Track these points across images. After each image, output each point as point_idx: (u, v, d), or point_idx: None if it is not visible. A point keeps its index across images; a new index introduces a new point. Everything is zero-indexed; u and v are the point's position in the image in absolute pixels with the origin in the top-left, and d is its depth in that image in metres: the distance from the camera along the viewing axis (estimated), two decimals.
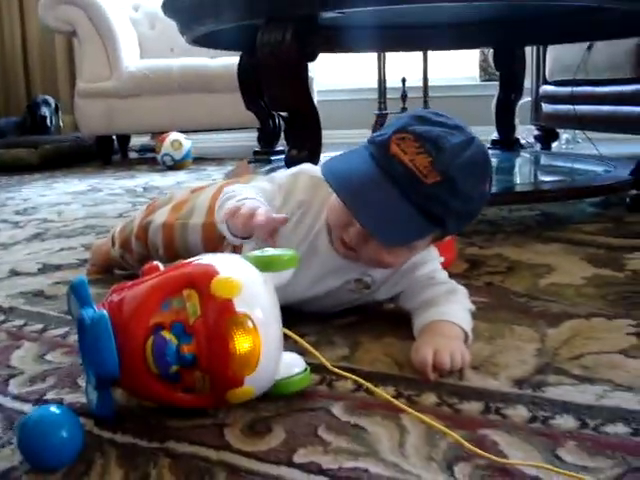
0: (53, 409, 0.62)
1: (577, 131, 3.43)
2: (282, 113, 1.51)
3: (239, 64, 2.20)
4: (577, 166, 2.01)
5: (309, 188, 0.92)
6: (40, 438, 0.59)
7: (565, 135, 3.54)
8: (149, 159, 3.48)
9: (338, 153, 0.86)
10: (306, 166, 0.98)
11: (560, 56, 2.97)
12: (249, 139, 3.90)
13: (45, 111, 3.73)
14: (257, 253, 0.73)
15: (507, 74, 2.42)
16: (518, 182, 1.88)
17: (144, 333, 0.64)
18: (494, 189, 1.68)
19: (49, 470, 0.59)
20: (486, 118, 4.03)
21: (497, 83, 4.01)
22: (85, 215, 1.88)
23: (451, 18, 2.06)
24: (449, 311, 0.86)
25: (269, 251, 0.74)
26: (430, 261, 0.94)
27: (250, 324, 0.64)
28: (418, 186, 0.78)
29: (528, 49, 3.03)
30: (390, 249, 0.83)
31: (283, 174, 0.98)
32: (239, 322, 0.64)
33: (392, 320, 0.94)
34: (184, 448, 0.63)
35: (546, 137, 3.34)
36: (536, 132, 3.40)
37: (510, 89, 2.42)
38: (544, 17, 2.03)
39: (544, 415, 0.67)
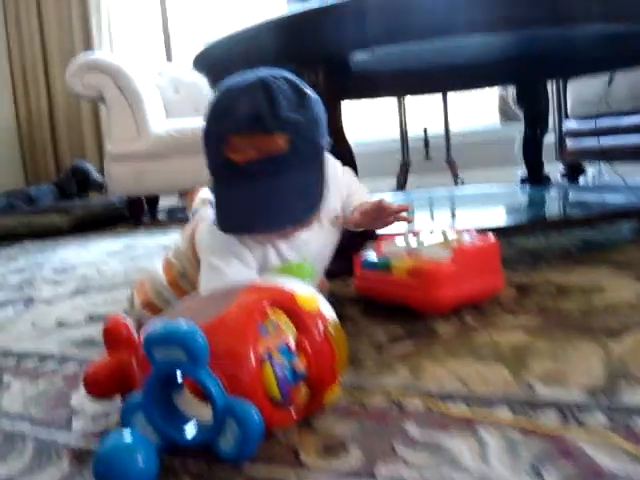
0: (127, 436, 0.61)
1: (603, 165, 3.42)
2: None
3: None
4: (608, 196, 1.99)
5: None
6: (116, 469, 0.58)
7: (591, 170, 3.53)
8: (178, 219, 3.52)
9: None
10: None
11: (581, 91, 2.99)
12: None
13: (93, 172, 3.92)
14: (291, 265, 0.88)
15: (531, 110, 2.43)
16: (550, 211, 1.86)
17: (258, 362, 0.64)
18: (525, 219, 1.68)
19: None
20: (509, 160, 4.07)
21: (518, 124, 4.10)
22: (124, 270, 1.89)
23: (471, 57, 2.09)
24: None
25: (291, 263, 0.90)
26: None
27: (338, 327, 0.71)
28: (287, 157, 0.85)
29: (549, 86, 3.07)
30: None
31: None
32: (334, 328, 0.70)
33: (450, 344, 0.93)
34: (259, 470, 0.62)
35: (572, 173, 3.33)
36: (562, 169, 3.41)
37: (535, 125, 2.43)
38: (566, 49, 2.05)
39: (625, 422, 0.65)
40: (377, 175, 4.11)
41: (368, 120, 4.29)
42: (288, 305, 0.67)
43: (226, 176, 0.85)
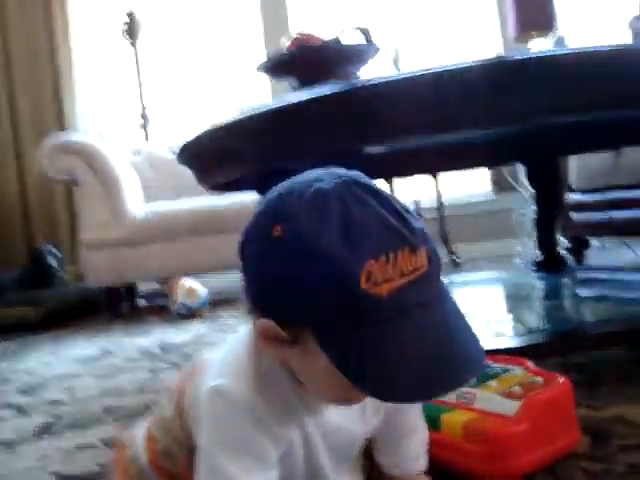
0: None
1: (607, 238, 3.26)
2: None
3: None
4: None
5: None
6: None
7: (594, 242, 3.35)
8: (158, 307, 3.27)
9: None
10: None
11: (587, 163, 2.83)
12: None
13: (51, 261, 3.65)
14: None
15: (542, 189, 2.24)
16: (591, 321, 1.62)
17: None
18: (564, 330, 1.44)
19: None
20: (503, 232, 3.90)
21: (513, 195, 3.95)
22: (100, 392, 1.63)
23: (475, 136, 1.91)
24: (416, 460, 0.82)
25: None
26: None
27: None
28: (431, 276, 0.59)
29: None
30: None
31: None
32: None
33: None
34: None
35: (577, 247, 3.16)
36: (566, 243, 3.23)
37: (548, 205, 2.24)
38: (577, 128, 1.88)
39: None
40: None
41: None
42: None
43: (362, 319, 0.55)
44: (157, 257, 3.08)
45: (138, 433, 0.87)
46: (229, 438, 0.63)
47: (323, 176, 0.61)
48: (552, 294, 1.99)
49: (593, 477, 0.84)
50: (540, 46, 2.07)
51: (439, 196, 3.85)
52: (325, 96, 1.16)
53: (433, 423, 0.88)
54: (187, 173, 2.24)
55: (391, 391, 0.56)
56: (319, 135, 1.20)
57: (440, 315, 0.59)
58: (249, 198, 2.71)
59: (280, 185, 0.63)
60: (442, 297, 0.61)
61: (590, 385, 1.22)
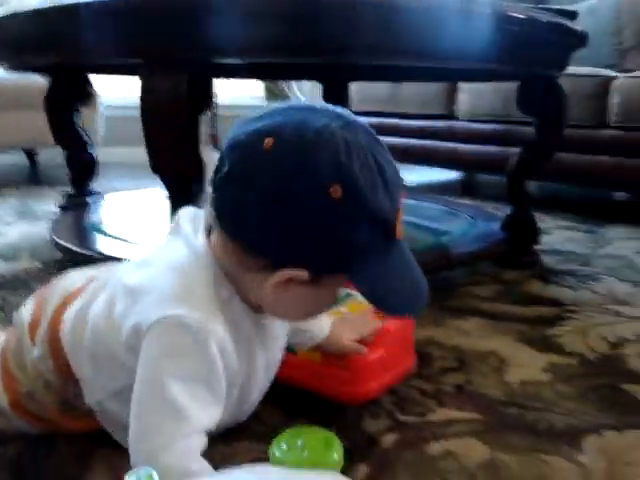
0: None
1: None
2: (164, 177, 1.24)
3: (49, 91, 1.85)
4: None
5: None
6: None
7: None
8: None
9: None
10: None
11: (367, 87, 2.97)
12: (18, 161, 3.46)
13: None
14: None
15: None
16: None
17: None
18: None
19: None
20: None
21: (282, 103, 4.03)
22: None
23: None
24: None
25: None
26: None
27: None
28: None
29: None
30: None
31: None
32: None
33: (411, 469, 0.78)
34: None
35: None
36: None
37: None
38: None
39: None
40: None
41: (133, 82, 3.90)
42: None
43: (392, 259, 0.65)
44: None
45: None
46: (188, 370, 0.60)
47: (341, 123, 0.61)
48: None
49: (428, 396, 0.95)
50: None
51: (213, 95, 3.82)
52: None
53: (291, 347, 0.91)
54: None
55: (402, 308, 0.67)
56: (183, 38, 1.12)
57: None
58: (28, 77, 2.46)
59: (301, 130, 0.60)
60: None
61: None
